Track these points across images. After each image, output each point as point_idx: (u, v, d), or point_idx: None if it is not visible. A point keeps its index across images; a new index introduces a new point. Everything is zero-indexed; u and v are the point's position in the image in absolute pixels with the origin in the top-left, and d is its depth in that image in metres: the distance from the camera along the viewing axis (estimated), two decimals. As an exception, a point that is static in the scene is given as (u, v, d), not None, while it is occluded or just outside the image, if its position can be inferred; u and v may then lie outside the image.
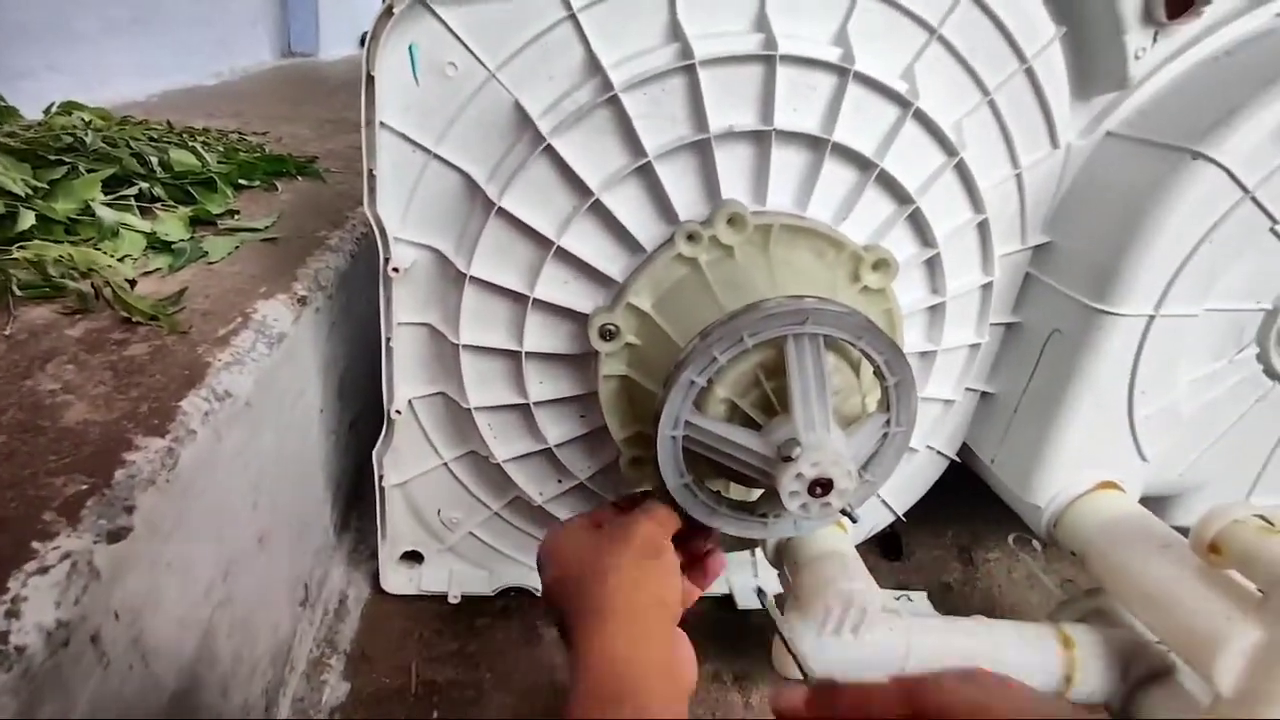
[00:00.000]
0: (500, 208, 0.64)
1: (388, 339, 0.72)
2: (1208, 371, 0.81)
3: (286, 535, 0.74)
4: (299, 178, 1.19)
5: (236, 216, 0.97)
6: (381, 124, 0.63)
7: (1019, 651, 0.72)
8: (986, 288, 0.77)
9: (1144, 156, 0.71)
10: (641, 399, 0.66)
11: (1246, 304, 0.78)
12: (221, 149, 1.18)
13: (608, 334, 0.63)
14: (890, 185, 0.67)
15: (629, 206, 0.64)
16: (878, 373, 0.56)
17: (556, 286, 0.67)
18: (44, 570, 0.40)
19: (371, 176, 0.65)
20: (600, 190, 0.63)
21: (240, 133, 1.43)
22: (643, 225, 0.65)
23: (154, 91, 1.89)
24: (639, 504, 0.54)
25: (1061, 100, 0.72)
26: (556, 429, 0.74)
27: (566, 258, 0.66)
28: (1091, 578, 0.78)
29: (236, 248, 0.86)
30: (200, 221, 0.92)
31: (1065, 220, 0.78)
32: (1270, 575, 0.62)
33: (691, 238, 0.62)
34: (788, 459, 0.51)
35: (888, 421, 0.58)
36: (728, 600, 0.94)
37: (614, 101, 0.61)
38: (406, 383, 0.75)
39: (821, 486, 0.51)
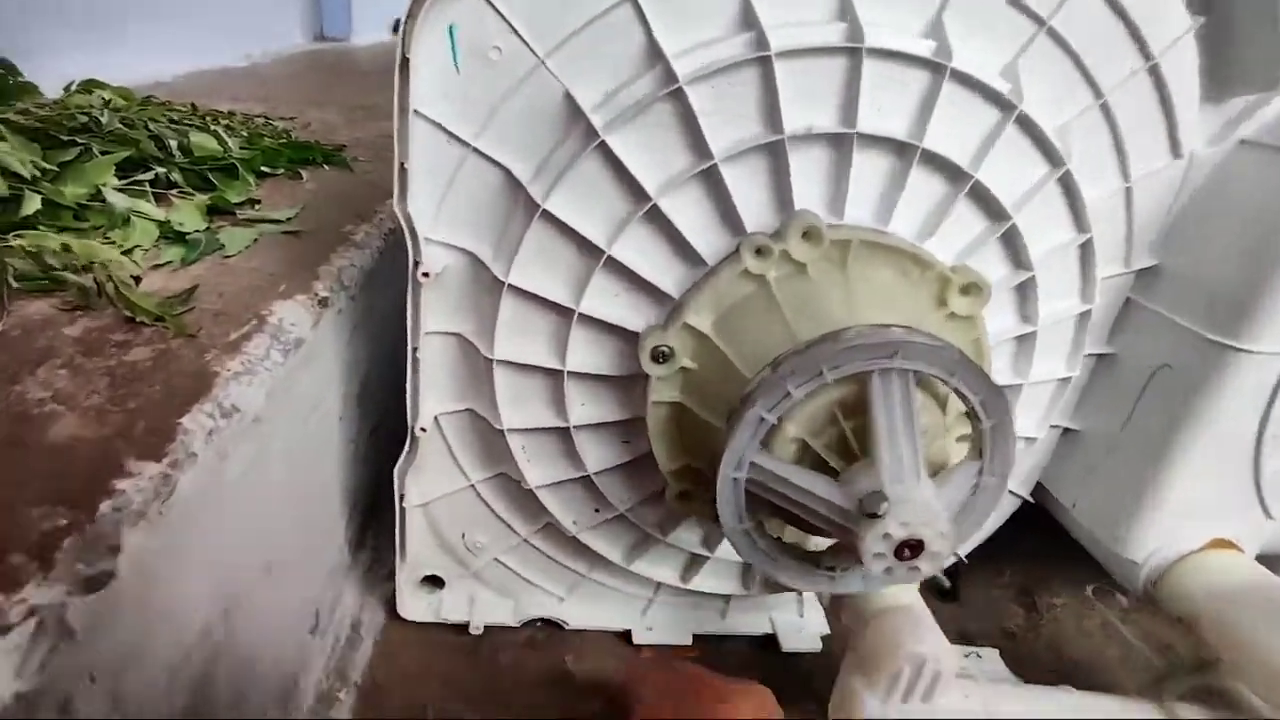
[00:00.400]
0: (545, 210, 0.57)
1: (414, 349, 0.66)
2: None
3: (297, 559, 0.67)
4: (326, 166, 1.13)
5: (257, 206, 0.91)
6: (416, 113, 0.57)
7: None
8: (1083, 316, 0.68)
9: (1293, 168, 0.62)
10: (694, 429, 0.59)
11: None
12: (245, 133, 1.12)
13: (661, 356, 0.56)
14: (984, 199, 0.59)
15: (689, 214, 0.57)
16: (972, 415, 0.48)
17: (605, 300, 0.60)
18: (4, 630, 0.34)
19: (403, 170, 0.58)
20: (658, 194, 0.56)
21: (266, 117, 1.37)
22: (704, 236, 0.58)
23: (180, 72, 1.84)
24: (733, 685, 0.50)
25: (1189, 103, 0.64)
26: (596, 455, 0.67)
27: (617, 268, 0.59)
28: (1204, 648, 0.69)
29: (255, 240, 0.80)
30: (218, 211, 0.86)
31: (1182, 240, 0.69)
32: None
33: (760, 252, 0.54)
34: (872, 515, 0.44)
35: (980, 470, 0.50)
36: (769, 640, 0.86)
37: (678, 95, 0.54)
38: (433, 397, 0.68)
39: (910, 549, 0.44)
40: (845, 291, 0.52)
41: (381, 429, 0.94)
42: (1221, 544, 0.75)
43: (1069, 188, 0.62)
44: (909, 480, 0.43)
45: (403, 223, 0.60)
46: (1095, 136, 0.63)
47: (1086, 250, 0.65)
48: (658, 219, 0.57)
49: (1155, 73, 0.62)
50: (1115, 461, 0.74)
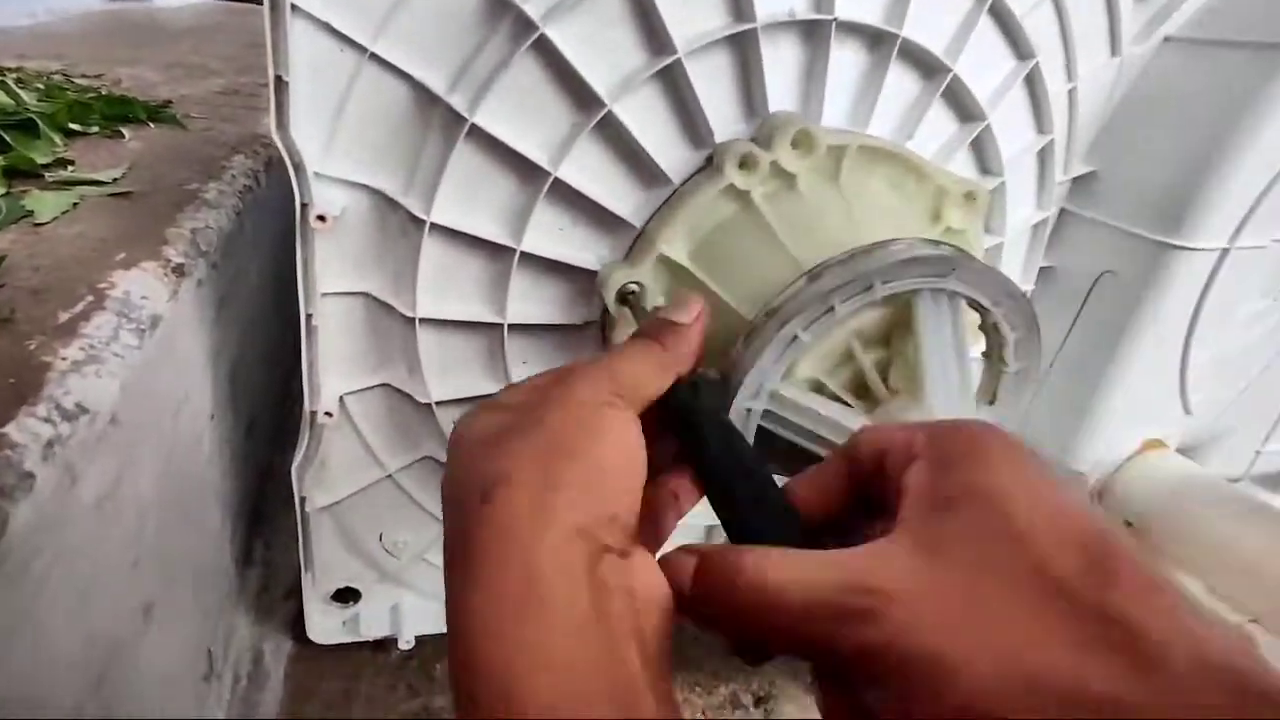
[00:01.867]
0: (474, 125, 0.46)
1: (309, 316, 0.53)
2: (1254, 311, 0.74)
3: (180, 593, 0.54)
4: (151, 124, 0.94)
5: (71, 168, 0.73)
6: (294, 8, 0.44)
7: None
8: (1040, 225, 0.65)
9: (1224, 60, 0.61)
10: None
11: (1309, 231, 0.71)
12: (41, 86, 0.91)
13: (630, 296, 0.47)
14: (958, 97, 0.54)
15: (648, 123, 0.48)
16: (998, 355, 0.43)
17: (551, 234, 0.50)
18: None
19: (280, 85, 0.46)
20: (612, 99, 0.46)
21: (65, 74, 1.14)
22: (665, 148, 0.49)
23: (-58, 31, 1.52)
24: None
25: (1126, -2, 0.61)
26: (546, 423, 0.57)
27: (565, 194, 0.49)
28: (1149, 548, 0.70)
29: (75, 205, 0.63)
30: (19, 173, 0.68)
31: (1115, 144, 0.67)
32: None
33: (745, 163, 0.46)
34: None
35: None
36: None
37: (630, -26, 0.45)
38: (337, 374, 0.56)
39: None
40: (844, 207, 0.45)
41: (259, 423, 0.79)
42: (1153, 444, 0.76)
43: (1034, 85, 0.58)
44: (967, 414, 0.37)
45: (285, 154, 0.47)
46: (1047, 31, 0.59)
47: (1046, 154, 0.62)
48: (611, 131, 0.48)
49: (1102, -39, 0.59)
50: (1057, 375, 0.73)
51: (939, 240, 0.41)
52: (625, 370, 0.31)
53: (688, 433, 0.31)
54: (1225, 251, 0.63)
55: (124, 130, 0.89)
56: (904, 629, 0.21)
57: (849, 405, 0.42)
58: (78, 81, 1.10)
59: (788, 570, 0.24)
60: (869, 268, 0.37)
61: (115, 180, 0.71)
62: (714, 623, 0.26)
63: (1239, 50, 0.60)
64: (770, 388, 0.38)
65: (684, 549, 0.27)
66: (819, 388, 0.42)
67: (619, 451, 0.28)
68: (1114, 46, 0.62)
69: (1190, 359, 0.70)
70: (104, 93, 1.02)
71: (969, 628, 0.20)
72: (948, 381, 0.37)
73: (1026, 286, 0.69)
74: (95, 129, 0.87)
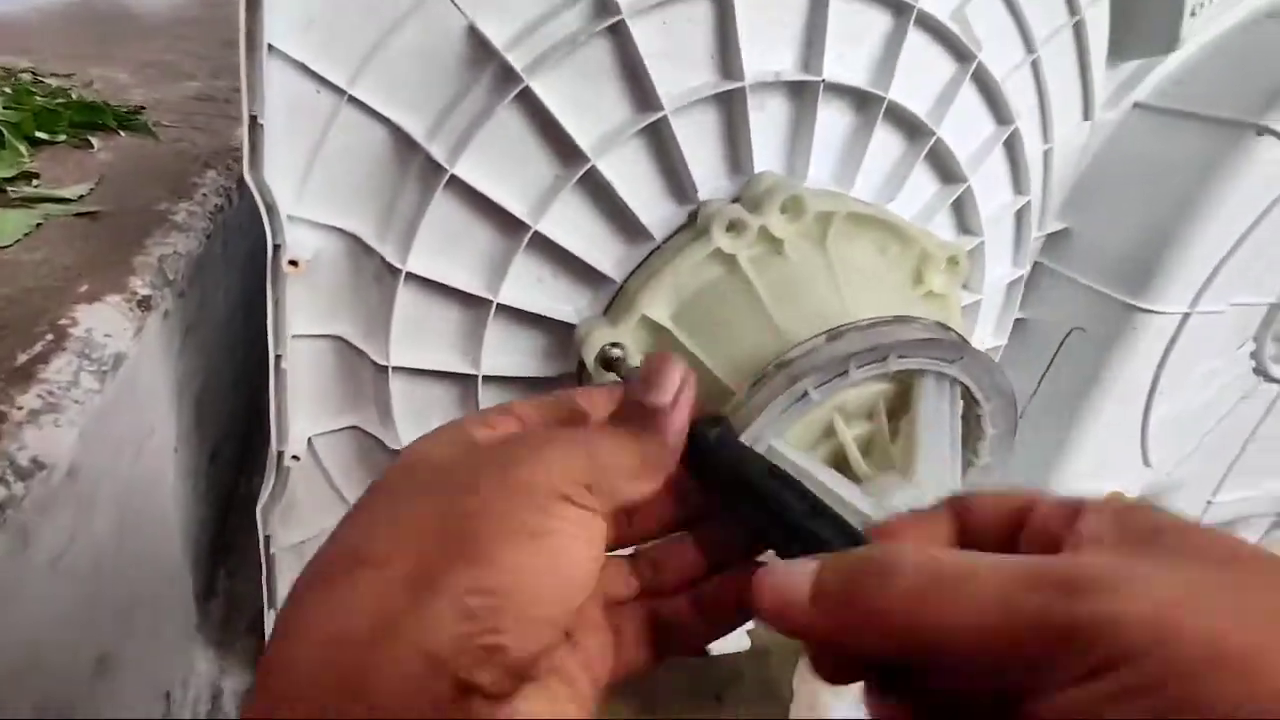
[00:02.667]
0: (454, 176, 0.45)
1: (278, 357, 0.52)
2: (1210, 369, 0.76)
3: (137, 640, 0.52)
4: (121, 132, 0.92)
5: (36, 183, 0.71)
6: (271, 48, 0.43)
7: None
8: (1015, 283, 0.66)
9: (1188, 132, 0.63)
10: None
11: (1259, 298, 0.73)
12: (9, 90, 0.89)
13: (612, 361, 0.46)
14: (940, 159, 0.55)
15: (631, 177, 0.48)
16: (973, 448, 0.43)
17: (529, 286, 0.49)
18: None
19: (255, 126, 0.45)
20: (595, 154, 0.46)
21: (34, 73, 1.11)
22: (648, 203, 0.48)
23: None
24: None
25: (1100, 64, 0.62)
26: (518, 470, 0.56)
27: (545, 246, 0.48)
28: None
29: (38, 225, 0.61)
30: (-22, 188, 0.66)
31: (1086, 204, 0.68)
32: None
33: (732, 228, 0.46)
34: None
35: None
36: (696, 643, 0.80)
37: (618, 31, 0.44)
38: (306, 416, 0.55)
39: None
40: (829, 274, 0.45)
41: (223, 450, 0.78)
42: (1114, 496, 0.78)
43: (1013, 148, 0.58)
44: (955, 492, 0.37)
45: (257, 196, 0.46)
46: (1024, 94, 0.60)
47: (1023, 214, 0.62)
48: (594, 185, 0.47)
49: (1079, 30, 0.60)
50: (1027, 425, 0.74)
51: (948, 326, 0.41)
52: (608, 457, 0.24)
53: (723, 471, 0.27)
54: (1187, 315, 0.65)
55: (93, 139, 0.87)
56: (1163, 603, 0.17)
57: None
58: (47, 81, 1.07)
59: (967, 557, 0.20)
60: (888, 340, 0.37)
61: (81, 198, 0.69)
62: (838, 636, 0.21)
63: (1202, 123, 0.61)
64: (768, 442, 0.38)
65: (781, 563, 0.23)
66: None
67: (554, 566, 0.21)
68: (1087, 111, 0.64)
69: (1151, 414, 0.72)
70: (74, 97, 0.99)
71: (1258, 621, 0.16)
72: (940, 461, 0.37)
73: (1000, 341, 0.70)
74: (63, 137, 0.85)
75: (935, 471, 0.37)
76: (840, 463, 0.40)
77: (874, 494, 0.37)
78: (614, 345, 0.46)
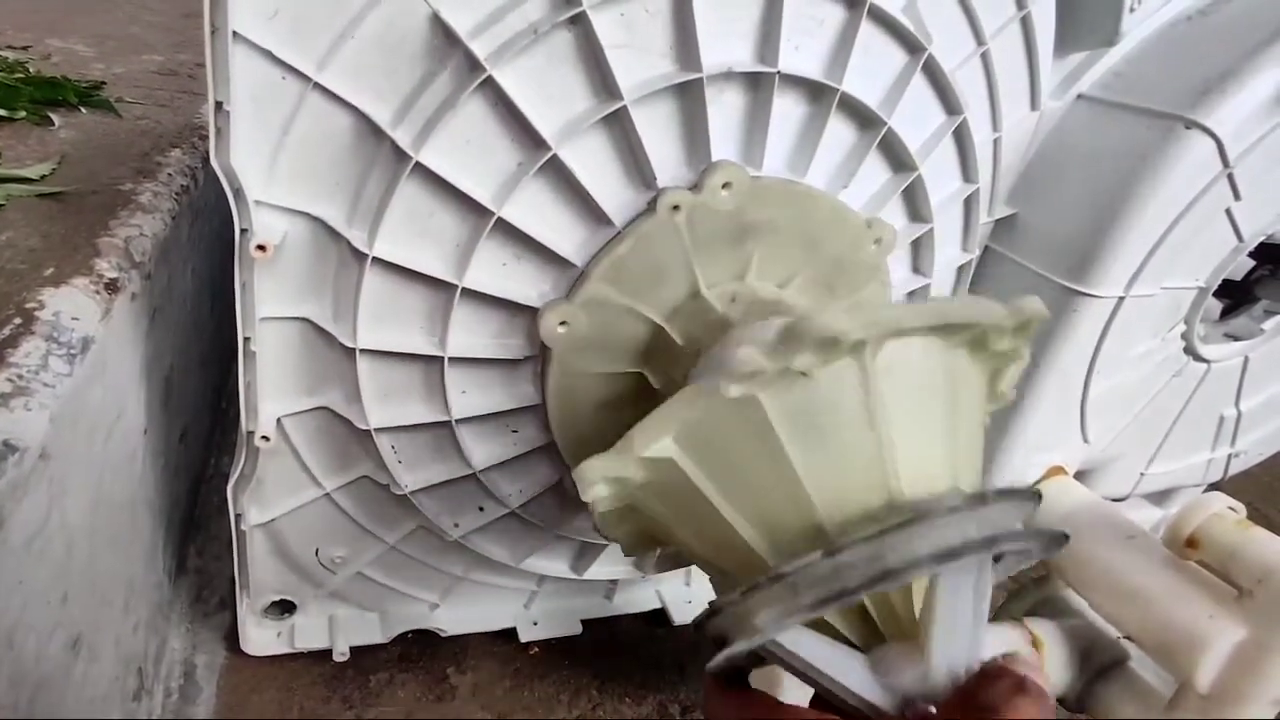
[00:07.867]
0: (419, 163, 0.46)
1: (247, 339, 0.53)
2: (1145, 349, 0.79)
3: (109, 620, 0.53)
4: (82, 109, 0.91)
5: (-7, 161, 0.70)
6: (236, 35, 0.43)
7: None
8: (964, 268, 0.69)
9: (1125, 123, 0.65)
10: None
11: (1189, 282, 0.76)
12: (-39, 65, 0.87)
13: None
14: (891, 149, 0.57)
15: (593, 165, 0.49)
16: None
17: (493, 271, 0.51)
18: None
19: (221, 111, 0.45)
20: (558, 142, 0.47)
21: (-14, 46, 1.09)
22: (609, 190, 0.50)
23: None
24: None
25: (1047, 56, 0.65)
26: (484, 450, 0.58)
27: (508, 232, 0.49)
28: (1048, 568, 0.74)
29: (1, 206, 0.61)
30: (-65, 167, 0.66)
31: (1032, 191, 0.71)
32: (1251, 572, 0.60)
33: (678, 208, 0.47)
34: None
35: None
36: (658, 616, 0.83)
37: (580, 22, 0.45)
38: (275, 397, 0.56)
39: None
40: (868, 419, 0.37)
41: (192, 429, 0.78)
42: (1055, 470, 0.81)
43: (961, 137, 0.61)
44: (973, 661, 0.34)
45: (224, 181, 0.47)
46: (975, 85, 0.62)
47: (971, 201, 0.65)
48: (556, 172, 0.49)
49: (1026, 23, 0.62)
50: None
51: (985, 494, 0.35)
52: None
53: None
54: (1122, 299, 0.68)
55: (53, 116, 0.86)
56: None
57: (847, 640, 0.37)
58: (4, 55, 1.05)
59: None
60: (897, 563, 0.32)
61: (44, 178, 0.69)
62: None
63: (1136, 115, 0.64)
64: (771, 636, 0.34)
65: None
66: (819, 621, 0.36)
67: None
68: (1034, 101, 0.66)
69: (1090, 392, 0.75)
70: (33, 71, 0.98)
71: None
72: (957, 633, 0.34)
73: (951, 321, 0.72)
74: (23, 114, 0.84)
75: (949, 646, 0.34)
76: (864, 620, 0.36)
77: (886, 669, 0.35)
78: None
